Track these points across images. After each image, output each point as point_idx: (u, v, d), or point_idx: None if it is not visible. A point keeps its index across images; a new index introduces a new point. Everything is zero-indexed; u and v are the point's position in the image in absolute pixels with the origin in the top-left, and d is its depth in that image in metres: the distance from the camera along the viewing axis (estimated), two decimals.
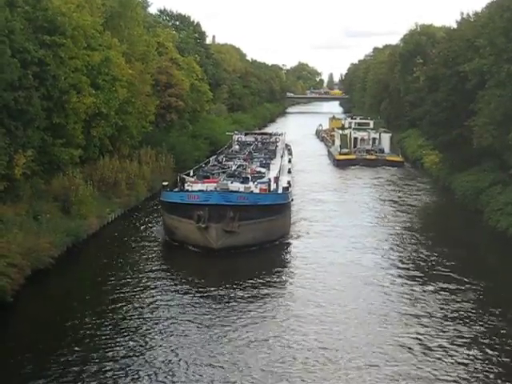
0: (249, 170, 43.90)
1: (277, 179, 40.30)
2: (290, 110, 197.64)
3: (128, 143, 47.40)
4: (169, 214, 35.64)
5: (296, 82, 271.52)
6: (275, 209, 35.18)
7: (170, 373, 20.17)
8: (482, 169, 46.77)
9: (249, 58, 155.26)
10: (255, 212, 33.93)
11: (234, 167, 44.92)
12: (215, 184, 36.69)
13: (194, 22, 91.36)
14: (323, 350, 21.88)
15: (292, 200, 39.34)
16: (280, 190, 38.21)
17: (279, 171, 46.06)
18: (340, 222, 40.97)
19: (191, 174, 41.80)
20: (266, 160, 51.56)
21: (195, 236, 33.51)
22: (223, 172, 42.77)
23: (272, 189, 37.84)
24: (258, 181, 39.02)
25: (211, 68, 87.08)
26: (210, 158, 51.83)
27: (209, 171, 43.33)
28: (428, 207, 48.61)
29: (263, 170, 45.04)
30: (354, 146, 74.41)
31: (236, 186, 36.82)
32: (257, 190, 36.68)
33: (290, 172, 49.99)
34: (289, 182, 41.54)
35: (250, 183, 38.17)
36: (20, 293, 25.74)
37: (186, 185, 37.47)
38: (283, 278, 30.18)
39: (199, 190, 35.55)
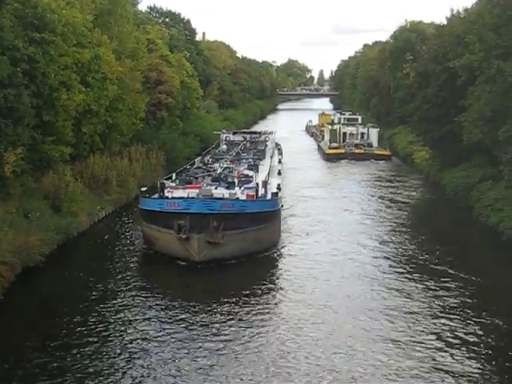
0: (235, 173, 40.62)
1: (265, 183, 36.65)
2: (280, 106, 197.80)
3: (118, 140, 47.29)
4: (147, 224, 32.88)
5: (286, 79, 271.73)
6: (263, 217, 32.36)
7: None
8: (472, 165, 46.93)
9: (239, 54, 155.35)
10: (241, 221, 31.21)
11: (219, 170, 41.77)
12: (198, 190, 33.79)
13: (184, 18, 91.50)
14: None
15: (282, 206, 36.41)
16: (269, 196, 34.95)
17: (268, 173, 43.30)
18: (330, 219, 40.90)
19: (173, 177, 39.10)
20: (255, 161, 48.97)
21: (176, 247, 30.90)
22: (208, 175, 39.85)
23: (260, 194, 34.53)
24: (245, 186, 35.83)
25: (201, 65, 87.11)
26: (195, 160, 49.18)
27: (192, 174, 40.25)
28: (418, 203, 48.71)
29: (251, 172, 41.64)
30: (343, 141, 76.49)
31: (220, 192, 33.83)
32: (243, 197, 33.30)
33: (280, 174, 47.42)
34: (278, 186, 38.84)
35: (236, 188, 35.17)
36: (11, 290, 25.69)
37: (165, 191, 34.09)
38: (272, 293, 27.82)
39: (180, 197, 32.53)
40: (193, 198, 32.23)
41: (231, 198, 32.60)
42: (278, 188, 37.98)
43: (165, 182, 35.56)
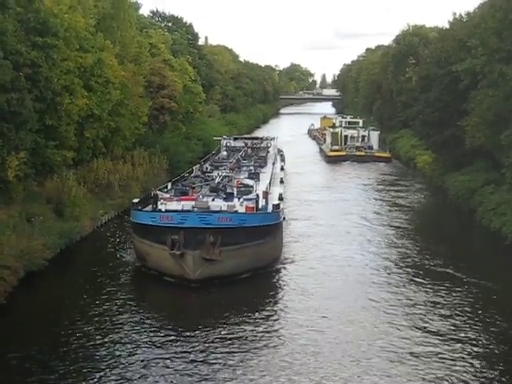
0: (234, 183, 37.82)
1: (266, 194, 34.41)
2: (283, 110, 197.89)
3: (121, 145, 47.30)
4: (139, 238, 30.81)
5: (289, 83, 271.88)
6: (264, 231, 30.21)
7: None
8: (475, 169, 46.92)
9: (241, 59, 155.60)
10: (240, 236, 29.12)
11: (217, 179, 38.73)
12: (193, 202, 31.45)
13: (186, 23, 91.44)
14: None
15: (284, 218, 34.28)
16: (270, 208, 32.71)
17: (270, 182, 41.22)
18: (334, 223, 40.89)
19: (169, 186, 37.04)
20: (256, 169, 46.48)
21: (169, 264, 28.77)
22: (206, 184, 37.60)
23: (261, 206, 32.17)
24: (244, 197, 33.34)
25: (204, 69, 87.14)
26: (193, 167, 46.49)
27: (189, 184, 37.63)
28: (421, 207, 48.66)
29: (251, 182, 38.83)
30: (345, 143, 78.04)
31: (218, 204, 31.60)
32: (242, 209, 30.86)
33: (282, 182, 45.41)
34: (280, 196, 36.64)
35: (235, 200, 32.78)
36: (13, 295, 25.69)
37: (159, 203, 31.67)
38: (273, 316, 25.55)
39: (174, 210, 30.31)
40: (188, 210, 30.18)
41: (229, 210, 30.39)
42: (280, 198, 35.95)
43: (158, 192, 33.29)
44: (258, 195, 33.25)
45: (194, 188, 36.02)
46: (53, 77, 34.58)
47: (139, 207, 32.01)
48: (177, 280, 28.72)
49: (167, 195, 33.85)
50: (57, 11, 36.51)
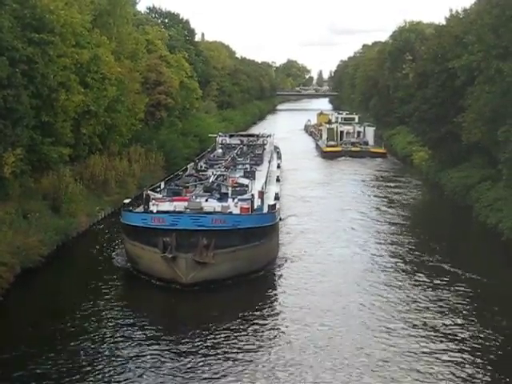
0: (229, 182, 36.84)
1: (262, 194, 33.80)
2: (279, 107, 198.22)
3: (117, 141, 47.22)
4: (130, 240, 29.68)
5: (286, 80, 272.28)
6: (259, 232, 29.24)
7: None
8: (471, 165, 47.01)
9: (238, 55, 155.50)
10: (234, 238, 28.19)
11: (212, 178, 37.41)
12: (186, 203, 30.51)
13: (183, 19, 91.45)
14: None
15: (280, 219, 33.74)
16: (266, 208, 31.86)
17: (266, 181, 40.36)
18: (331, 219, 40.91)
19: (162, 185, 35.87)
20: (252, 167, 45.49)
21: (161, 268, 27.69)
22: (200, 183, 36.71)
23: (256, 206, 31.37)
24: (239, 197, 32.34)
25: (200, 65, 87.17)
26: (188, 166, 45.82)
27: (183, 183, 36.54)
28: (418, 203, 48.73)
29: (246, 181, 37.63)
30: (340, 139, 78.79)
31: (211, 205, 30.52)
32: (237, 210, 29.97)
33: (278, 180, 44.18)
34: (276, 195, 35.92)
35: (229, 201, 31.81)
36: (10, 291, 25.70)
37: (150, 204, 30.70)
38: (270, 321, 24.71)
39: (166, 211, 29.37)
40: (180, 212, 29.27)
41: (223, 211, 29.37)
42: (276, 198, 35.39)
43: (150, 193, 32.34)
44: (253, 195, 32.46)
45: (187, 188, 35.11)
46: (49, 73, 34.49)
47: (130, 208, 31.23)
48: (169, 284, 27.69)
49: (159, 195, 33.10)
50: (53, 7, 36.34)
